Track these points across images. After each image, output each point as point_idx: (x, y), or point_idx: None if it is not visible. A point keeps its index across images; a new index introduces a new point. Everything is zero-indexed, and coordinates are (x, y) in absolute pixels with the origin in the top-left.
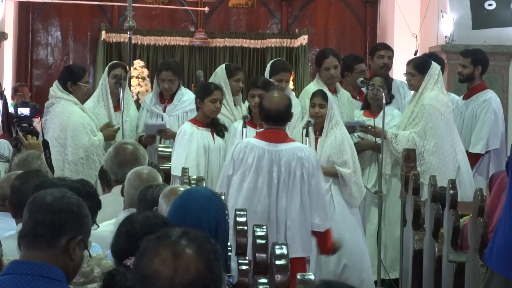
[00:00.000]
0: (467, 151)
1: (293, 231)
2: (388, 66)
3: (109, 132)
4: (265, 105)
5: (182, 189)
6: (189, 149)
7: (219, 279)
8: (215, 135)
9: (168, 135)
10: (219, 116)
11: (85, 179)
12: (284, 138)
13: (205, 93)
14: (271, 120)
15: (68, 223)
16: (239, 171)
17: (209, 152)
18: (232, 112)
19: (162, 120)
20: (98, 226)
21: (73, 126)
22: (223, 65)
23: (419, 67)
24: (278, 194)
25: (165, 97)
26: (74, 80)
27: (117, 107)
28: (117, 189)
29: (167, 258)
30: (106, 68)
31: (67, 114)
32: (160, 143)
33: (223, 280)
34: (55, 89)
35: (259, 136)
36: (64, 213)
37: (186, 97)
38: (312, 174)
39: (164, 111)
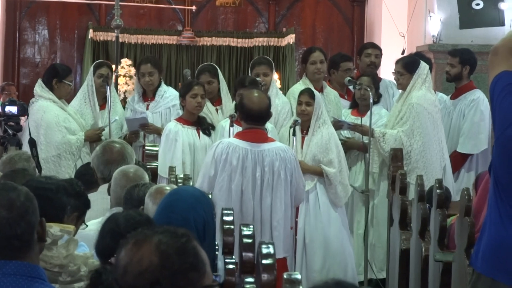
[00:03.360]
0: (455, 151)
1: (279, 231)
2: (375, 65)
3: (91, 132)
4: (247, 104)
5: (168, 188)
6: (174, 148)
7: (181, 278)
8: (200, 134)
9: (151, 129)
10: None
11: (73, 178)
12: (265, 138)
13: (186, 89)
14: (253, 120)
15: (32, 220)
16: (224, 172)
17: (195, 150)
18: (210, 111)
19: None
20: (87, 226)
21: (46, 123)
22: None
23: (407, 66)
24: (262, 194)
25: (148, 95)
26: (60, 78)
27: (103, 105)
28: (103, 187)
29: (128, 246)
30: (91, 67)
31: (42, 112)
32: (144, 140)
33: (196, 282)
34: (37, 87)
35: (239, 136)
36: (26, 220)
37: (168, 93)
38: (295, 175)
39: (147, 109)
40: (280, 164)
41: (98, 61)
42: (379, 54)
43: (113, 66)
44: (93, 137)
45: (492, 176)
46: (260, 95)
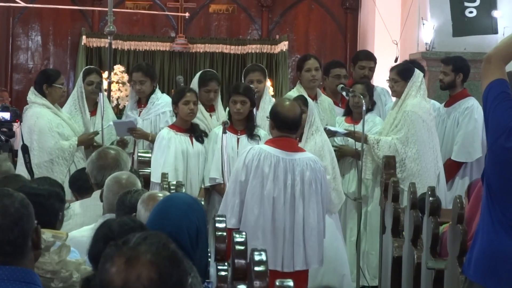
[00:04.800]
0: (449, 159)
1: (313, 241)
2: (368, 77)
3: (84, 137)
4: (281, 113)
5: (160, 195)
6: (167, 154)
7: (179, 286)
8: (194, 141)
9: (139, 133)
10: (196, 121)
11: (53, 179)
12: (297, 147)
13: (179, 96)
14: (288, 128)
15: (26, 227)
16: (256, 179)
17: (188, 157)
18: (206, 118)
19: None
20: (69, 206)
21: (39, 129)
22: (199, 72)
23: (402, 73)
24: (295, 203)
25: (141, 102)
26: (49, 82)
27: (93, 111)
28: (97, 193)
29: (120, 266)
30: (81, 74)
31: (35, 117)
32: (134, 149)
33: (186, 284)
34: (30, 94)
35: (272, 143)
36: (19, 226)
37: (160, 100)
38: (323, 185)
39: (139, 115)
40: (310, 175)
41: (87, 67)
42: (373, 67)
43: (106, 73)
44: (86, 142)
45: (484, 184)
46: (292, 103)
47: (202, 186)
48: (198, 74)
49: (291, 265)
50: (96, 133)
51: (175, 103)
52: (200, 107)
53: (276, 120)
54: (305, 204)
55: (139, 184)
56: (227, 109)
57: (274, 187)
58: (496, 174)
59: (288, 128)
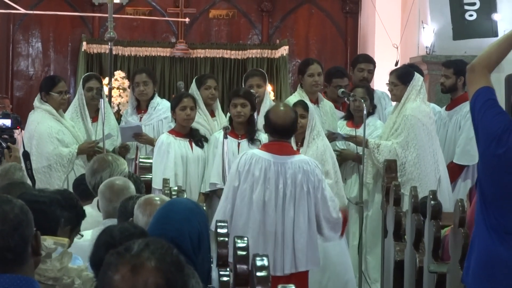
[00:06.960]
0: (451, 162)
1: (302, 244)
2: (367, 80)
3: (84, 146)
4: (272, 118)
5: (157, 199)
6: (166, 160)
7: None
8: (193, 146)
9: (144, 138)
10: (198, 126)
11: (67, 189)
12: (290, 151)
13: (176, 102)
14: (277, 134)
15: (26, 233)
16: (246, 183)
17: (187, 162)
18: (208, 121)
19: None
20: (82, 236)
21: (39, 134)
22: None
23: (402, 77)
24: (285, 207)
25: (141, 108)
26: (46, 90)
27: (94, 118)
28: (96, 200)
29: (125, 274)
30: (81, 81)
31: (36, 123)
32: (136, 154)
33: None
34: (36, 99)
35: (264, 148)
36: (19, 233)
37: (161, 105)
38: (317, 187)
39: (140, 121)
40: (302, 177)
41: (86, 74)
42: (372, 70)
43: (107, 79)
44: (86, 151)
45: (478, 191)
46: (285, 109)
47: (201, 191)
48: (194, 80)
49: (281, 268)
50: (97, 142)
51: (172, 108)
52: (204, 111)
53: (267, 126)
54: (296, 207)
55: (132, 187)
56: (228, 114)
57: (265, 191)
58: (489, 181)
59: (278, 134)
